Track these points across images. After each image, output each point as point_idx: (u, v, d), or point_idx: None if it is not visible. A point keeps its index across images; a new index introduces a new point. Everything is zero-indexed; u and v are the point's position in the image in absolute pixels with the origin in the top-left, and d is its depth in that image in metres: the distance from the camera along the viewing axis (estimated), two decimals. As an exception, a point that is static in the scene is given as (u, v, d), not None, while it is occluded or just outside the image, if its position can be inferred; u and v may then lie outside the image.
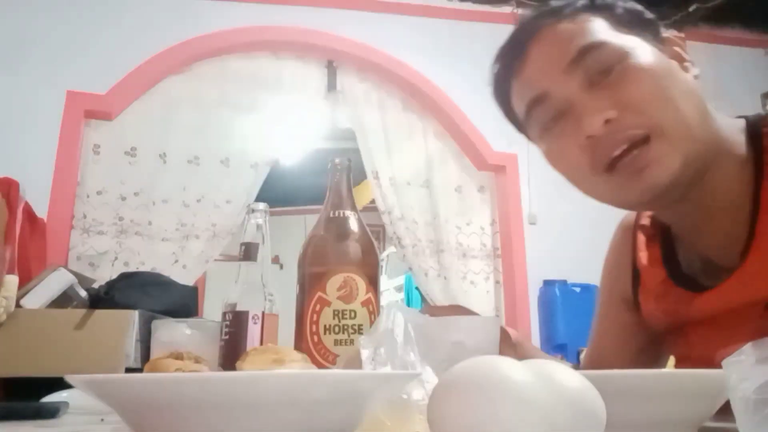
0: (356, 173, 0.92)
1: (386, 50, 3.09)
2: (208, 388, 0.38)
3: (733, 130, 0.74)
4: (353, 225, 0.68)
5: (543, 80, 0.71)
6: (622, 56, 0.67)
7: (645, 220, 0.86)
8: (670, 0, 3.41)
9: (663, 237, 0.82)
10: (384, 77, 3.15)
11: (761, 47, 3.78)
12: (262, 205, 0.71)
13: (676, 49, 0.73)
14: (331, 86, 3.14)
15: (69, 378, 0.41)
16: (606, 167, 0.67)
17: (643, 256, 0.84)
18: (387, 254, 5.23)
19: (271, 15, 2.97)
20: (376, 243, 0.71)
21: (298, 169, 4.40)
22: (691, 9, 3.46)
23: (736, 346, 0.36)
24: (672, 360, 0.90)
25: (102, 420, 0.68)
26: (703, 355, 0.66)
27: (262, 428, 0.39)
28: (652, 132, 0.65)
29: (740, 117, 0.77)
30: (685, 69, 0.72)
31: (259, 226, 0.69)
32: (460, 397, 0.34)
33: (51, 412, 0.70)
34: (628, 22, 0.71)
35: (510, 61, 0.75)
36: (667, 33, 0.74)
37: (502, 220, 3.20)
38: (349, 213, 0.69)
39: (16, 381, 1.58)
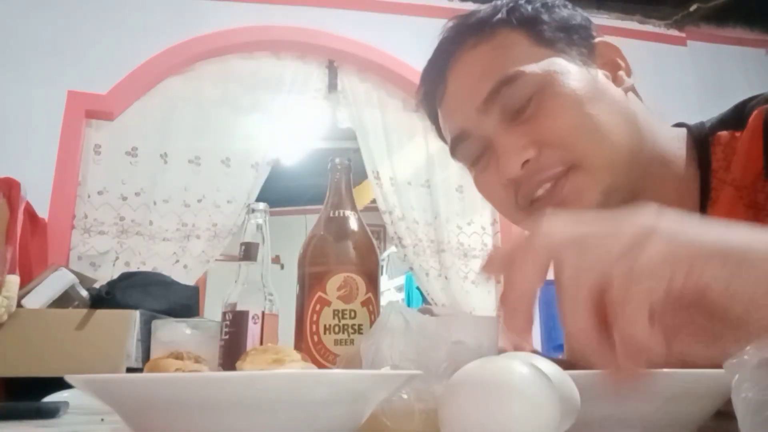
0: (356, 173, 0.92)
1: (387, 50, 3.09)
2: (208, 388, 0.38)
3: (673, 145, 0.68)
4: (353, 225, 0.68)
5: (461, 119, 0.69)
6: (537, 87, 0.64)
7: None
8: (671, 0, 3.41)
9: None
10: (385, 77, 3.15)
11: (761, 47, 3.78)
12: (262, 205, 0.71)
13: (609, 54, 0.69)
14: (332, 86, 3.14)
15: (69, 378, 0.41)
16: (529, 206, 0.66)
17: None
18: (387, 254, 5.23)
19: (272, 15, 2.97)
20: (376, 243, 0.71)
21: (298, 169, 4.40)
22: (691, 8, 3.46)
23: None
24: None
25: (102, 420, 0.68)
26: None
27: (262, 428, 0.39)
28: (572, 166, 0.63)
29: (679, 126, 0.72)
30: (618, 80, 0.67)
31: (259, 226, 0.69)
32: (471, 396, 0.34)
33: (51, 412, 0.70)
34: (552, 35, 0.67)
35: (433, 88, 0.73)
36: (600, 38, 0.69)
37: (503, 220, 3.20)
38: (349, 213, 0.69)
39: (16, 381, 1.58)
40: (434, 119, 0.76)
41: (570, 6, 0.71)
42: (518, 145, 0.63)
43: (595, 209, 0.63)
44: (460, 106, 0.68)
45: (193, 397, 0.38)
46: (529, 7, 0.68)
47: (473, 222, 3.22)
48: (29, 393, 0.99)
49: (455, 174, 3.26)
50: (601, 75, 0.67)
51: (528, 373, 0.34)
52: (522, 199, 0.66)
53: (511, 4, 0.68)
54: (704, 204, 0.66)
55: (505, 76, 0.64)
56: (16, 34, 2.71)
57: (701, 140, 0.68)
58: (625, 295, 0.35)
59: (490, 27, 0.67)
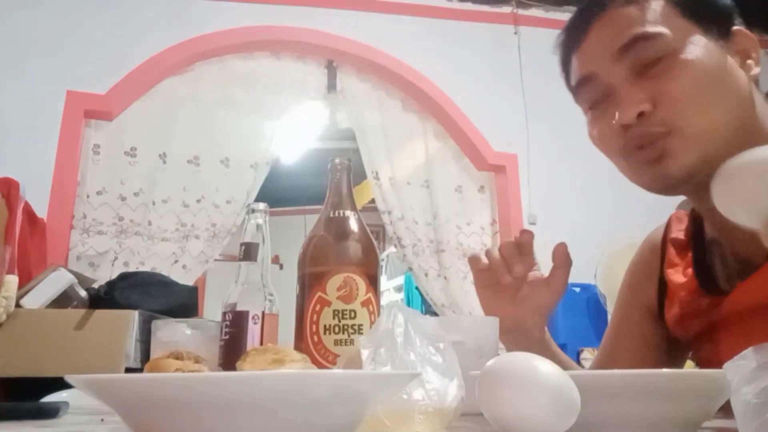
0: (356, 173, 0.92)
1: (386, 50, 3.09)
2: (208, 388, 0.38)
3: None
4: (353, 225, 0.68)
5: (594, 62, 0.74)
6: (671, 50, 0.69)
7: (677, 233, 0.87)
8: (670, 0, 3.40)
9: (696, 246, 0.83)
10: (384, 77, 3.15)
11: (761, 47, 3.78)
12: (262, 205, 0.71)
13: (744, 43, 0.74)
14: (331, 86, 3.14)
15: (69, 378, 0.41)
16: (633, 152, 0.72)
17: (673, 270, 0.85)
18: (387, 254, 5.23)
19: (271, 15, 2.97)
20: (376, 243, 0.71)
21: (298, 169, 4.39)
22: (691, 9, 3.46)
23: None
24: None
25: (102, 420, 0.68)
26: (730, 358, 0.67)
27: (262, 428, 0.39)
28: (673, 129, 0.68)
29: None
30: (745, 67, 0.73)
31: (259, 226, 0.69)
32: (504, 386, 0.41)
33: (51, 412, 0.69)
34: (698, 11, 0.72)
35: (574, 35, 0.78)
36: (739, 26, 0.75)
37: (502, 220, 3.20)
38: (349, 213, 0.69)
39: (16, 381, 1.58)
40: (565, 65, 0.81)
41: None
42: (638, 97, 0.69)
43: (691, 168, 0.68)
44: (597, 51, 0.74)
45: (193, 397, 0.38)
46: None
47: (472, 222, 3.22)
48: (29, 393, 0.99)
49: (455, 174, 3.26)
50: (731, 58, 0.72)
51: (552, 371, 0.40)
52: (627, 147, 0.72)
53: None
54: None
55: (644, 32, 0.70)
56: (15, 34, 2.71)
57: None
58: None
59: None
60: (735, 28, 0.75)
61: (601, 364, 0.92)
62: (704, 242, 0.82)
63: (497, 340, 0.68)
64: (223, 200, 2.85)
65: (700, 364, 0.86)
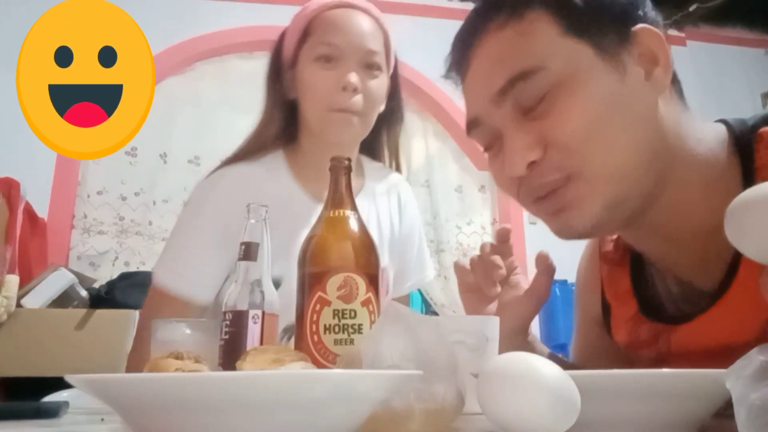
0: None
1: (386, 50, 3.09)
2: (208, 388, 0.38)
3: (709, 145, 0.65)
4: (353, 225, 0.68)
5: (476, 105, 0.68)
6: (554, 83, 0.61)
7: (608, 246, 0.81)
8: (670, 0, 3.41)
9: (633, 261, 0.77)
10: (384, 77, 3.15)
11: (761, 47, 3.78)
12: (262, 205, 0.71)
13: (648, 44, 0.63)
14: (332, 86, 3.14)
15: (69, 378, 0.41)
16: (530, 205, 0.66)
17: (609, 290, 0.79)
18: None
19: (271, 15, 2.97)
20: (376, 243, 0.71)
21: (298, 169, 4.39)
22: (691, 8, 3.46)
23: None
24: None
25: (102, 420, 0.68)
26: None
27: (262, 428, 0.39)
28: (572, 174, 0.61)
29: (720, 122, 0.68)
30: (651, 78, 0.63)
31: (259, 226, 0.69)
32: (504, 386, 0.41)
33: (51, 412, 0.69)
34: (585, 20, 0.62)
35: (458, 67, 0.72)
36: (640, 25, 0.63)
37: (503, 220, 3.20)
38: (349, 213, 0.69)
39: (16, 381, 1.58)
40: (461, 92, 0.74)
41: None
42: (525, 143, 0.62)
43: (596, 219, 0.62)
44: (476, 93, 0.68)
45: (193, 397, 0.38)
46: None
47: (473, 222, 3.22)
48: (29, 393, 0.99)
49: (454, 174, 3.26)
50: (632, 71, 0.62)
51: (552, 371, 0.40)
52: (524, 197, 0.66)
53: None
54: None
55: (520, 71, 0.62)
56: (16, 33, 2.70)
57: (743, 138, 0.64)
58: None
59: (521, 5, 0.64)
60: (636, 27, 0.63)
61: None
62: (638, 262, 0.76)
63: (497, 340, 0.68)
64: (224, 200, 2.84)
65: None
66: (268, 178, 1.07)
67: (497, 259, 0.79)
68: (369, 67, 1.06)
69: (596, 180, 0.61)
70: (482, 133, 0.69)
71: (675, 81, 0.66)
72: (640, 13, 0.64)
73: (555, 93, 0.61)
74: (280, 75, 1.13)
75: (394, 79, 1.20)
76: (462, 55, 0.70)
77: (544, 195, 0.63)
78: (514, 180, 0.65)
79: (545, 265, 0.79)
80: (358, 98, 1.03)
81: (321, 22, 1.09)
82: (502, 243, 0.82)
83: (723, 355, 0.59)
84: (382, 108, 1.10)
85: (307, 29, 1.11)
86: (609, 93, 0.61)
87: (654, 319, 0.71)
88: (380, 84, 1.09)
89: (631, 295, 0.75)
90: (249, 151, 1.13)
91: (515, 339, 0.80)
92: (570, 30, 0.62)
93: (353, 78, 1.02)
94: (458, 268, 0.84)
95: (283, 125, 1.12)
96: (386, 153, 1.22)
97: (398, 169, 1.21)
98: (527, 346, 0.82)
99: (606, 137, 0.60)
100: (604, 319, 0.81)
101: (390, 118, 1.18)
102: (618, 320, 0.77)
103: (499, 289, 0.80)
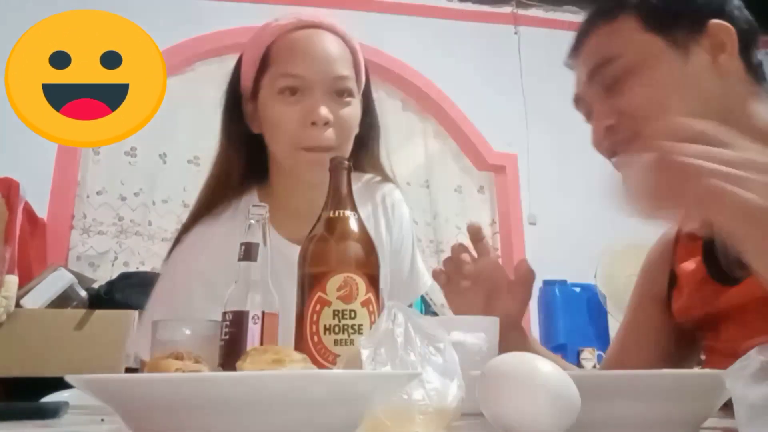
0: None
1: (386, 50, 3.09)
2: (208, 388, 0.38)
3: None
4: (353, 225, 0.68)
5: (577, 86, 0.86)
6: (629, 68, 0.79)
7: (690, 227, 0.91)
8: None
9: (706, 239, 0.87)
10: (384, 77, 3.15)
11: (761, 47, 3.78)
12: (262, 205, 0.71)
13: (720, 36, 0.77)
14: (331, 86, 3.14)
15: (69, 378, 0.41)
16: (611, 154, 0.81)
17: (684, 262, 0.89)
18: (387, 254, 5.22)
19: (271, 15, 2.97)
20: (376, 243, 0.71)
21: (298, 169, 4.39)
22: None
23: (760, 339, 0.39)
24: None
25: (102, 420, 0.68)
26: (728, 347, 0.74)
27: (262, 428, 0.39)
28: (634, 133, 0.76)
29: None
30: (717, 64, 0.76)
31: (259, 226, 0.69)
32: (505, 386, 0.41)
33: (51, 412, 0.70)
34: (661, 19, 0.79)
35: (572, 56, 0.88)
36: (714, 21, 0.77)
37: (502, 220, 3.20)
38: (349, 213, 0.69)
39: (16, 381, 1.58)
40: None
41: None
42: (604, 113, 0.80)
43: None
44: (579, 75, 0.86)
45: (193, 397, 0.38)
46: None
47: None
48: (29, 393, 0.99)
49: (454, 174, 3.26)
50: (697, 57, 0.77)
51: (552, 371, 0.41)
52: (607, 151, 0.82)
53: None
54: None
55: (603, 58, 0.81)
56: (15, 33, 2.70)
57: None
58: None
59: (617, 10, 0.82)
60: (711, 22, 0.78)
61: (612, 357, 0.96)
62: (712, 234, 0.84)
63: (497, 340, 0.68)
64: (223, 200, 2.84)
65: (704, 351, 0.89)
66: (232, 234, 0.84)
67: (465, 256, 0.91)
68: (339, 94, 0.95)
69: (651, 139, 0.70)
70: (582, 108, 0.87)
71: (752, 69, 0.80)
72: (721, 10, 0.79)
73: (628, 76, 0.79)
74: (240, 108, 1.04)
75: (367, 95, 1.07)
76: (575, 50, 0.87)
77: (615, 152, 0.80)
78: (600, 138, 0.82)
79: (524, 276, 0.89)
80: (329, 133, 0.92)
81: (281, 49, 0.97)
82: (476, 242, 0.92)
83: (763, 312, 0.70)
84: (357, 131, 0.98)
85: (266, 58, 0.98)
86: (671, 75, 0.78)
87: (717, 281, 0.82)
88: (353, 111, 0.97)
89: (701, 262, 0.86)
90: (208, 206, 1.04)
91: (507, 336, 0.82)
92: (648, 27, 0.79)
93: (323, 111, 0.91)
94: (434, 273, 0.96)
95: (246, 164, 1.04)
96: (370, 172, 1.09)
97: (387, 179, 1.10)
98: (524, 342, 0.88)
99: (666, 109, 0.75)
100: (668, 292, 0.91)
101: (366, 137, 1.05)
102: (682, 287, 0.88)
103: (467, 283, 0.91)
